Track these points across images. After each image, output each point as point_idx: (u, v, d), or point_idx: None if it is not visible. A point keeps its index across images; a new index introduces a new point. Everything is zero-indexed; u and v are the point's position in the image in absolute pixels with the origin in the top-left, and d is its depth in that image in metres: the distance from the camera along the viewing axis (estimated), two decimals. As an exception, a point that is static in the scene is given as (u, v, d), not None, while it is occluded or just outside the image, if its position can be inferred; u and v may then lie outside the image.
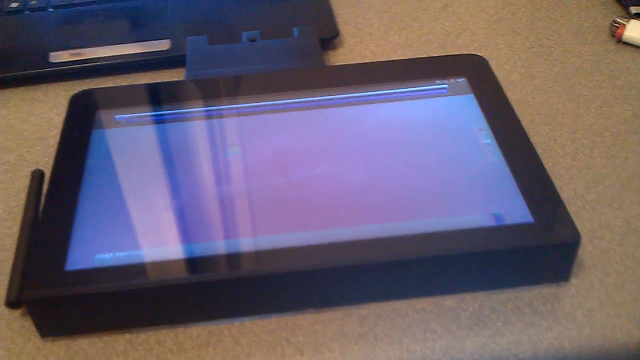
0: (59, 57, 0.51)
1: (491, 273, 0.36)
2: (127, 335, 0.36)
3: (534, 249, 0.35)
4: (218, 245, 0.36)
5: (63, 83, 0.52)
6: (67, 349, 0.35)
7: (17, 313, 0.37)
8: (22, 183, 0.44)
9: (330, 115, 0.43)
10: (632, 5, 0.53)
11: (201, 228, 0.37)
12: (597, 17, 0.55)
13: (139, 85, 0.46)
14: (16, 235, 0.40)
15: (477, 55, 0.46)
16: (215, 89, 0.45)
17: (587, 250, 0.38)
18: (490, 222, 0.36)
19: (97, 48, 0.52)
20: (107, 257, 0.35)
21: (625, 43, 0.52)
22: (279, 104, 0.44)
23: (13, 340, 0.36)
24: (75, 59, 0.51)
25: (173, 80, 0.49)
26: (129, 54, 0.51)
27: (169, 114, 0.43)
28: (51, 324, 0.35)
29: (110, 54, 0.51)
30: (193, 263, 0.35)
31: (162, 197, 0.38)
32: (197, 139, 0.42)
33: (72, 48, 0.52)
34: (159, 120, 0.43)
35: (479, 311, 0.36)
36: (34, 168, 0.45)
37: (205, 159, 0.41)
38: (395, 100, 0.44)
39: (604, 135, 0.45)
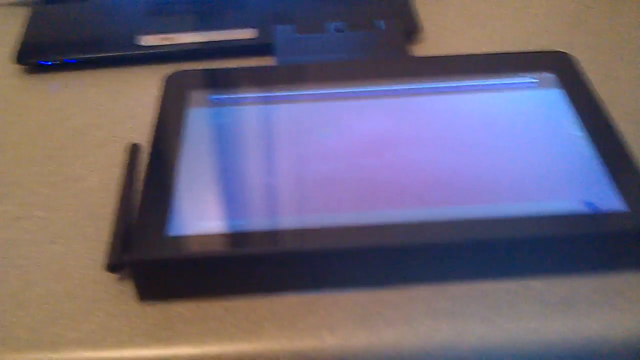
0: (147, 40, 0.53)
1: (580, 258, 0.36)
2: (223, 302, 0.37)
3: (625, 236, 0.36)
4: (314, 219, 0.37)
5: (151, 66, 0.53)
6: (165, 313, 0.36)
7: (114, 278, 0.38)
8: (114, 158, 0.46)
9: (420, 103, 0.44)
10: None
11: (296, 202, 0.38)
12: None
13: (232, 68, 0.47)
14: (110, 205, 0.42)
15: (564, 52, 0.47)
16: (306, 75, 0.46)
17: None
18: (579, 206, 0.36)
19: (184, 34, 0.53)
20: (206, 224, 0.37)
21: None
22: (368, 91, 0.45)
23: (112, 303, 0.37)
24: (163, 43, 0.53)
25: (263, 65, 0.51)
26: (217, 41, 0.52)
27: (260, 96, 0.45)
28: (150, 288, 0.37)
29: (198, 40, 0.53)
30: (289, 235, 0.36)
31: (257, 173, 0.40)
32: (289, 121, 0.43)
33: (159, 33, 0.53)
34: (251, 102, 0.44)
35: (568, 295, 0.36)
36: (124, 144, 0.46)
37: (297, 140, 0.42)
38: (485, 92, 0.44)
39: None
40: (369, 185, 0.38)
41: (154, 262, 0.35)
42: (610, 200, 0.37)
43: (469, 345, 0.35)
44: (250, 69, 0.47)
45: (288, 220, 0.37)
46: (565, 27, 0.55)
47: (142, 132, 0.46)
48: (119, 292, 0.38)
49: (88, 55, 0.53)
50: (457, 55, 0.47)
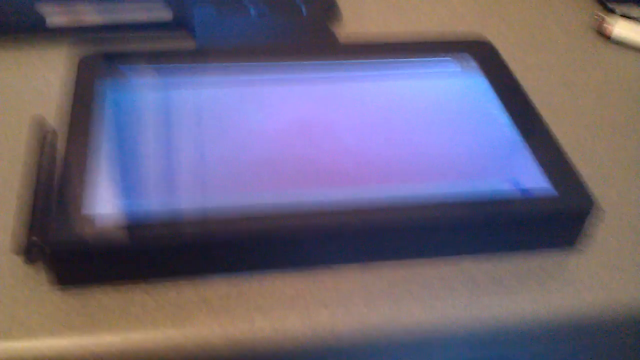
0: (50, 15, 0.50)
1: (509, 238, 0.37)
2: (146, 287, 0.34)
3: (550, 215, 0.36)
4: (241, 200, 0.35)
5: (55, 42, 0.50)
6: (82, 299, 0.34)
7: (17, 262, 0.35)
8: (19, 139, 0.42)
9: (345, 88, 0.43)
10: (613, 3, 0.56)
11: (222, 183, 0.36)
12: (582, 15, 0.58)
13: (150, 49, 0.45)
14: (15, 188, 0.39)
15: (483, 38, 0.47)
16: (228, 58, 0.44)
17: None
18: (507, 187, 0.37)
19: (90, 8, 0.50)
20: (128, 205, 0.34)
21: (613, 42, 0.55)
22: (292, 76, 0.44)
23: (20, 289, 0.34)
24: (68, 20, 0.49)
25: (183, 46, 0.48)
26: (129, 19, 0.50)
27: (182, 78, 0.43)
28: (66, 273, 0.34)
29: (107, 17, 0.50)
30: (215, 216, 0.34)
31: (179, 154, 0.38)
32: (213, 103, 0.41)
33: (63, 5, 0.50)
34: (172, 84, 0.42)
35: (494, 272, 0.36)
36: (30, 123, 0.43)
37: (220, 123, 0.40)
38: (407, 77, 0.44)
39: (602, 125, 0.47)
40: (296, 168, 0.37)
41: (72, 244, 0.33)
42: (533, 178, 0.37)
43: (404, 326, 0.34)
44: (170, 50, 0.45)
45: (213, 201, 0.35)
46: (478, 17, 0.57)
47: (49, 112, 0.43)
48: (27, 277, 0.34)
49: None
50: (379, 41, 0.47)
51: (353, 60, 0.45)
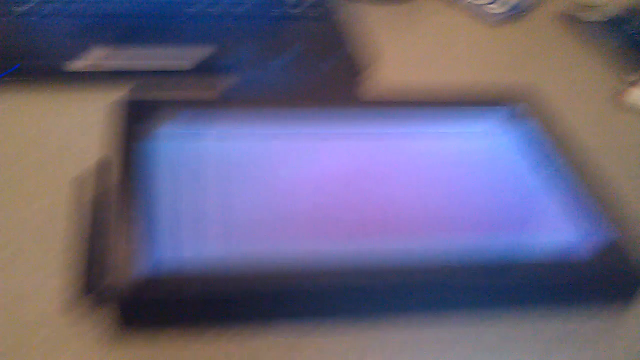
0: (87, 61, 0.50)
1: (560, 302, 0.38)
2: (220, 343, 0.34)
3: (603, 279, 0.37)
4: (292, 252, 0.35)
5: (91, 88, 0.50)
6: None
7: (78, 312, 0.35)
8: (60, 184, 0.42)
9: (386, 146, 0.44)
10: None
11: (272, 237, 0.37)
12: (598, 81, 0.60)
13: (188, 99, 0.45)
14: (59, 234, 0.38)
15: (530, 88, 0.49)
16: (261, 112, 0.45)
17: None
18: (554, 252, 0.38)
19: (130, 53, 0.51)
20: (189, 258, 0.34)
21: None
22: (326, 132, 0.44)
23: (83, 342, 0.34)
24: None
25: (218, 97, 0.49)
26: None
27: (218, 130, 0.43)
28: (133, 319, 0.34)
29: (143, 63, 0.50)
30: (271, 265, 0.35)
31: (228, 207, 0.38)
32: (251, 157, 0.42)
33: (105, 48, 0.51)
34: (210, 136, 0.43)
35: (555, 333, 0.37)
36: (67, 171, 0.43)
37: (259, 176, 0.41)
38: (443, 137, 0.45)
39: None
40: (339, 223, 0.38)
41: (140, 289, 0.33)
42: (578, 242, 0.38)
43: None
44: (205, 100, 0.45)
45: (265, 251, 0.36)
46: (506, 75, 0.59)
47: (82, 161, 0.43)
48: (90, 327, 0.34)
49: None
50: (415, 98, 0.48)
51: (394, 123, 0.46)
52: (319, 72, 0.51)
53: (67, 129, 0.47)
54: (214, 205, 0.38)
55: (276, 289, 0.34)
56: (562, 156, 0.44)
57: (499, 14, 0.65)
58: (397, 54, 0.58)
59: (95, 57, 0.51)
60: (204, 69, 0.51)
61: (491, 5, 0.65)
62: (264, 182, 0.40)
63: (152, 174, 0.39)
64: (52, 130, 0.46)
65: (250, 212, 0.38)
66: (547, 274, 0.37)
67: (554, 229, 0.39)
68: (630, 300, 0.39)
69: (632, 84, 0.58)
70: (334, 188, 0.40)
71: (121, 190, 0.37)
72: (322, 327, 0.36)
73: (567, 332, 0.37)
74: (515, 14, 0.66)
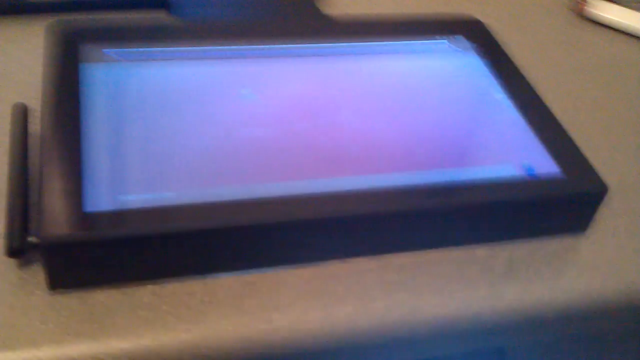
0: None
1: (519, 223, 0.36)
2: (151, 287, 0.32)
3: (563, 200, 0.36)
4: (246, 189, 0.33)
5: (25, 18, 0.46)
6: (84, 303, 0.31)
7: (13, 264, 0.32)
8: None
9: (338, 65, 0.41)
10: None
11: (223, 170, 0.34)
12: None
13: (127, 20, 0.41)
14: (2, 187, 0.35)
15: (475, 18, 0.46)
16: (212, 33, 0.41)
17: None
18: (520, 173, 0.36)
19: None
20: (128, 199, 0.32)
21: (588, 20, 0.55)
22: (281, 51, 0.41)
23: (16, 295, 0.31)
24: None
25: (163, 19, 0.45)
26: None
27: (164, 53, 0.40)
28: (64, 274, 0.31)
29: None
30: (220, 207, 0.32)
31: (175, 139, 0.35)
32: (203, 79, 0.39)
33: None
34: (155, 59, 0.39)
35: (509, 261, 0.36)
36: (8, 106, 0.39)
37: (209, 101, 0.38)
38: (403, 54, 0.43)
39: (585, 100, 0.47)
40: (300, 154, 0.35)
41: (70, 243, 0.30)
42: (545, 165, 0.37)
43: (424, 317, 0.33)
44: (150, 22, 0.42)
45: (216, 191, 0.33)
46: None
47: (26, 93, 0.39)
48: (22, 281, 0.32)
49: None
50: (371, 17, 0.45)
51: (345, 39, 0.43)
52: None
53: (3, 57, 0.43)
54: (156, 139, 0.35)
55: (228, 225, 0.32)
56: (513, 81, 0.41)
57: None
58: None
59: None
60: None
61: None
62: (209, 110, 0.37)
63: (97, 106, 0.36)
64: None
65: (196, 144, 0.35)
66: (510, 192, 0.35)
67: (512, 153, 0.37)
68: (587, 222, 0.37)
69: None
70: (286, 114, 0.37)
71: (54, 123, 0.34)
72: (279, 266, 0.34)
73: (530, 252, 0.36)
74: None
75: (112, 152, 0.34)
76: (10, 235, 0.31)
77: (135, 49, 0.39)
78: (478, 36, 0.45)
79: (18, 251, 0.31)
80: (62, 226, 0.30)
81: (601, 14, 0.54)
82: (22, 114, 0.36)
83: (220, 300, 0.32)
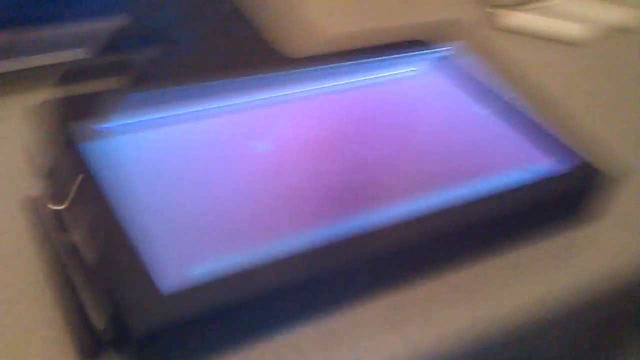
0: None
1: (542, 220, 0.39)
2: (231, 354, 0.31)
3: (576, 191, 0.39)
4: (304, 236, 0.32)
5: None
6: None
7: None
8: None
9: (329, 102, 0.42)
10: None
11: (274, 223, 0.33)
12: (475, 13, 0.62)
13: (107, 90, 0.39)
14: (21, 282, 0.32)
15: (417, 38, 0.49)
16: (195, 92, 0.40)
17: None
18: (533, 175, 0.38)
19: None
20: (197, 270, 0.30)
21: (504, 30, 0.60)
22: (270, 99, 0.41)
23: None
24: None
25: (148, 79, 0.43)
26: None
27: (157, 117, 0.38)
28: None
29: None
30: (295, 259, 0.31)
31: (211, 198, 0.34)
32: (208, 138, 0.38)
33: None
34: (149, 125, 0.38)
35: (547, 254, 0.38)
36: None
37: (230, 156, 0.37)
38: (374, 84, 0.44)
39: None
40: (335, 192, 0.36)
41: (163, 329, 0.28)
42: (546, 162, 0.39)
43: (505, 320, 0.34)
44: (132, 86, 0.40)
45: (276, 242, 0.32)
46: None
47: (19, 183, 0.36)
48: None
49: None
50: (331, 52, 0.46)
51: (317, 76, 0.43)
52: (234, 38, 0.47)
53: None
54: (191, 204, 0.33)
55: (302, 277, 0.31)
56: (504, 88, 0.44)
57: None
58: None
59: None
60: (112, 49, 0.45)
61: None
62: (227, 167, 0.36)
63: (108, 182, 0.33)
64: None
65: (231, 201, 0.34)
66: (534, 193, 0.37)
67: (521, 156, 0.40)
68: (598, 212, 0.41)
69: (505, 7, 0.61)
70: (303, 157, 0.37)
71: (87, 212, 0.32)
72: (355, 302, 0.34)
73: (557, 244, 0.39)
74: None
75: (158, 227, 0.32)
76: (80, 337, 0.28)
77: (126, 120, 0.38)
78: (439, 56, 0.47)
79: (94, 352, 0.28)
80: (151, 315, 0.28)
81: (514, 23, 0.59)
82: (37, 209, 0.33)
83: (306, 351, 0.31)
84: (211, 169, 0.36)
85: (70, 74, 0.43)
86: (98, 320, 0.29)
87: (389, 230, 0.33)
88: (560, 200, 0.39)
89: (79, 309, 0.29)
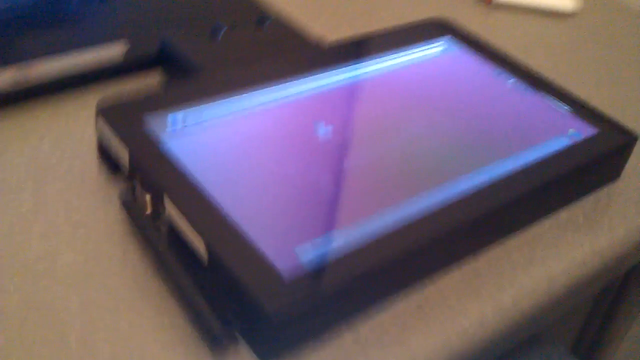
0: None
1: (582, 183, 0.42)
2: (347, 334, 0.32)
3: (609, 153, 0.42)
4: (393, 213, 0.34)
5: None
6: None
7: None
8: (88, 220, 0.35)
9: (372, 84, 0.43)
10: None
11: (362, 199, 0.35)
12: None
13: (163, 86, 0.40)
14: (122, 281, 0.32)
15: (441, 19, 0.51)
16: (242, 80, 0.41)
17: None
18: (571, 140, 0.41)
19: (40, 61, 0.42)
20: (307, 249, 0.31)
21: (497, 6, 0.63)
22: (321, 85, 0.43)
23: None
24: (17, 81, 0.41)
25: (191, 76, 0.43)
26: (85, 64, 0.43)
27: (219, 107, 0.39)
28: (286, 348, 0.30)
29: (61, 67, 0.42)
30: (398, 232, 0.33)
31: (298, 181, 0.35)
32: (273, 124, 0.39)
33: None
34: (216, 116, 0.38)
35: (584, 217, 0.41)
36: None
37: (301, 138, 0.38)
38: (403, 65, 0.46)
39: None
40: (404, 168, 0.38)
41: (297, 310, 0.29)
42: (582, 127, 0.42)
43: (559, 281, 0.37)
44: (181, 82, 0.40)
45: (380, 219, 0.34)
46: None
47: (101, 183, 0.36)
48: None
49: None
50: (356, 38, 0.47)
51: (345, 62, 0.45)
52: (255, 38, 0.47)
53: (50, 152, 0.39)
54: (283, 187, 0.35)
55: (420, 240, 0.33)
56: (507, 66, 0.47)
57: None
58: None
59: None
60: (136, 61, 0.45)
61: None
62: (301, 149, 0.37)
63: (198, 176, 0.34)
64: (38, 157, 0.38)
65: (319, 181, 0.35)
66: (578, 157, 0.40)
67: (555, 126, 0.42)
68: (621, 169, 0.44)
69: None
70: (366, 136, 0.39)
71: (188, 199, 0.33)
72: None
73: (589, 206, 0.42)
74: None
75: (257, 212, 0.33)
76: (206, 331, 0.29)
77: (192, 112, 0.38)
78: (458, 34, 0.49)
79: (222, 344, 0.29)
80: (281, 298, 0.29)
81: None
82: (128, 205, 0.33)
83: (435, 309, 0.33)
84: (287, 153, 0.37)
85: (111, 70, 0.43)
86: (224, 311, 0.30)
87: (469, 199, 0.36)
88: (599, 161, 0.41)
89: (196, 304, 0.30)
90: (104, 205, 0.36)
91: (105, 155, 0.37)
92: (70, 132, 0.41)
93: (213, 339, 0.29)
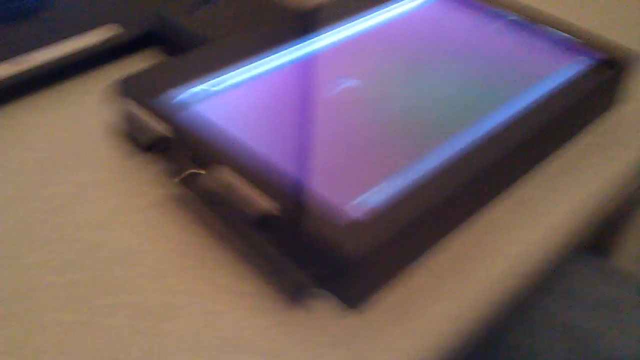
0: None
1: (587, 112, 0.42)
2: (423, 267, 0.31)
3: (615, 79, 0.42)
4: (435, 155, 0.34)
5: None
6: (391, 309, 0.30)
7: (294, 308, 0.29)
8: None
9: (371, 38, 0.43)
10: None
11: (405, 144, 0.34)
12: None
13: (176, 59, 0.38)
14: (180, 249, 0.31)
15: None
16: (244, 46, 0.40)
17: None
18: (586, 64, 0.42)
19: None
20: (372, 198, 0.31)
21: None
22: (332, 37, 0.42)
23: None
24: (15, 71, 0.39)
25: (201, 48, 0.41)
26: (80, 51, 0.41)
27: (235, 73, 0.38)
28: (365, 288, 0.29)
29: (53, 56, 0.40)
30: (444, 172, 0.33)
31: (343, 133, 0.35)
32: (292, 81, 0.38)
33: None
34: (229, 85, 0.37)
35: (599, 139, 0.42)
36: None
37: (325, 95, 0.37)
38: (397, 17, 0.46)
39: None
40: (433, 112, 0.37)
41: (370, 254, 0.28)
42: (592, 53, 0.43)
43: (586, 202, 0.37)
44: (194, 54, 0.39)
45: (420, 164, 0.34)
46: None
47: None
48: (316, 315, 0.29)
49: None
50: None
51: (337, 21, 0.44)
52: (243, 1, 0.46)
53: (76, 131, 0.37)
54: (323, 141, 0.34)
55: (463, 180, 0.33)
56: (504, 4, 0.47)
57: None
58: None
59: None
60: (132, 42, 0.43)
61: None
62: (333, 103, 0.37)
63: (226, 137, 0.33)
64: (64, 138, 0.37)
65: (361, 132, 0.35)
66: (580, 89, 0.40)
67: (566, 53, 0.43)
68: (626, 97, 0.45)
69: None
70: (386, 87, 0.38)
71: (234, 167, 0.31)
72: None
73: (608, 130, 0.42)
74: None
75: (317, 167, 0.33)
76: (287, 282, 0.28)
77: (205, 83, 0.37)
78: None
79: (302, 293, 0.28)
80: (358, 241, 0.28)
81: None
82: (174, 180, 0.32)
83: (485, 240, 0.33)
84: (320, 109, 0.36)
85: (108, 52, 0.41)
86: (303, 261, 0.28)
87: (503, 132, 0.36)
88: (601, 89, 0.42)
89: (272, 259, 0.29)
90: (147, 184, 0.35)
91: (133, 135, 0.36)
92: (80, 119, 0.39)
93: (297, 290, 0.28)
